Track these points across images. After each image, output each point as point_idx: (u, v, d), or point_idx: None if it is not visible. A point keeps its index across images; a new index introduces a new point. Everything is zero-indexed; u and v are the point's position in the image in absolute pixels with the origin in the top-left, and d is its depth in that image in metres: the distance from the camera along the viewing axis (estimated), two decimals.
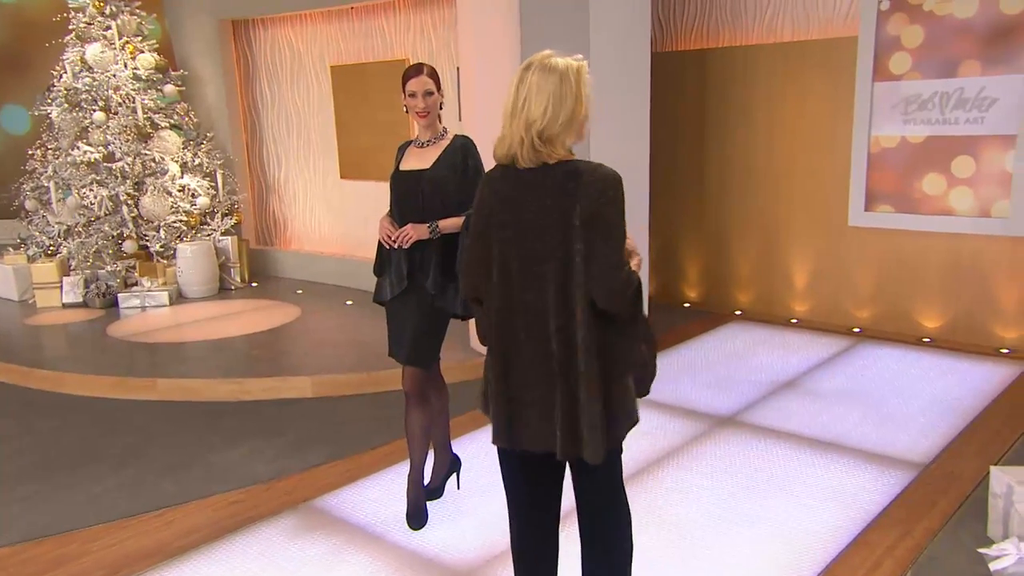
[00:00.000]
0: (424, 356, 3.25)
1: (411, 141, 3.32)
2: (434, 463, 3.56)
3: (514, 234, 2.12)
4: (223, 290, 7.76)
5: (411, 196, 3.16)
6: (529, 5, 4.96)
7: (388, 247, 3.19)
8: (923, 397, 4.61)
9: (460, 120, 5.60)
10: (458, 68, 5.74)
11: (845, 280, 6.01)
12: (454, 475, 3.62)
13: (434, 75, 3.17)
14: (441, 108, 3.22)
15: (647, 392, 2.28)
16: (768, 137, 6.22)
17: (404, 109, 3.21)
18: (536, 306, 2.10)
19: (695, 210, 6.71)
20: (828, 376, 5.01)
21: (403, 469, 3.61)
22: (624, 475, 2.33)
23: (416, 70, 3.15)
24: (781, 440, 4.10)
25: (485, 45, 5.14)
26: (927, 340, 5.61)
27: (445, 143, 3.20)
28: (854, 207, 5.79)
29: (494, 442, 2.24)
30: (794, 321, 6.23)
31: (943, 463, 3.79)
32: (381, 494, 3.68)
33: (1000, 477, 3.05)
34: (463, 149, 3.17)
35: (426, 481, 3.49)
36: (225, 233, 7.81)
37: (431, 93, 3.13)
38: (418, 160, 3.20)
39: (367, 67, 7.33)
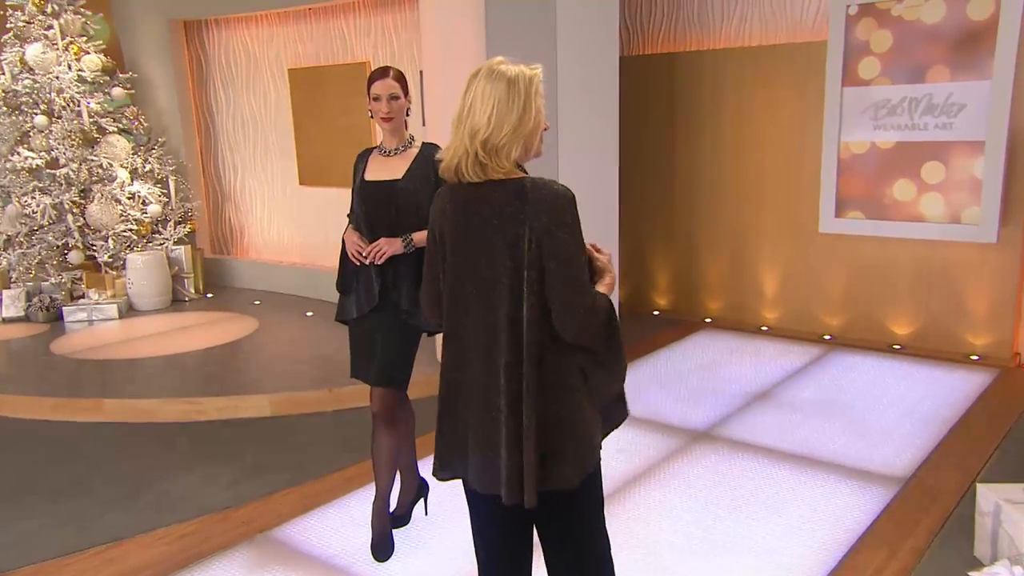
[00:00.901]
0: (396, 376, 3.07)
1: (373, 148, 3.12)
2: (401, 488, 3.37)
3: (464, 257, 1.95)
4: (176, 302, 7.48)
5: (383, 208, 2.97)
6: (495, 6, 4.80)
7: (359, 263, 2.99)
8: (898, 407, 4.54)
9: (424, 125, 5.42)
10: (421, 72, 5.56)
11: (815, 287, 5.96)
12: (422, 500, 3.43)
13: (401, 79, 2.98)
14: (408, 114, 3.03)
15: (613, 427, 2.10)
16: (737, 142, 6.15)
17: (369, 114, 3.02)
18: (488, 334, 1.93)
19: (664, 216, 6.61)
20: (802, 386, 4.93)
21: (368, 494, 3.41)
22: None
23: (382, 73, 2.96)
24: (759, 455, 3.99)
25: (450, 48, 4.97)
26: (898, 347, 5.57)
27: (414, 152, 3.02)
28: (824, 213, 5.73)
29: (433, 474, 2.09)
30: (765, 329, 6.16)
31: (923, 477, 3.71)
32: (344, 522, 3.48)
33: (987, 495, 2.96)
34: (433, 159, 2.99)
35: (392, 507, 3.29)
36: (178, 242, 7.54)
37: (396, 97, 2.95)
38: (386, 170, 3.01)
39: (326, 70, 7.11)
